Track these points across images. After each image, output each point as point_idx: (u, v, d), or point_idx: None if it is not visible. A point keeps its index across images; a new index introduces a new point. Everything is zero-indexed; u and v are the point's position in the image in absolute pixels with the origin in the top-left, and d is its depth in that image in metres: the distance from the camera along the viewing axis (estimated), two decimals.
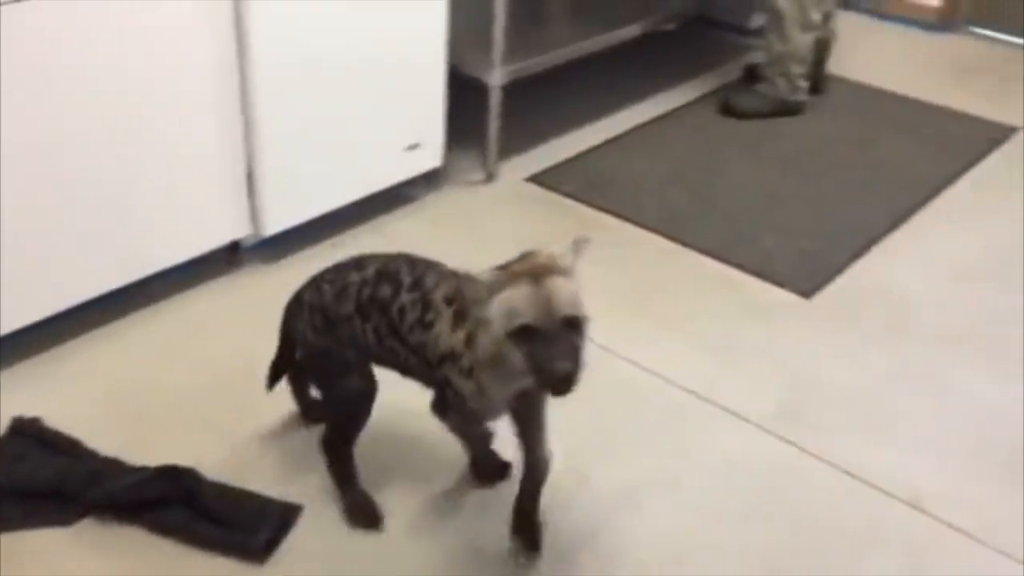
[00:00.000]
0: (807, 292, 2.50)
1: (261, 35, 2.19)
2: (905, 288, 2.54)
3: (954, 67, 3.86)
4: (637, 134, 3.25)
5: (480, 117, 2.85)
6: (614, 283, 2.51)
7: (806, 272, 2.57)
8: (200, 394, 2.07)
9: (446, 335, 1.50)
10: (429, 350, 1.54)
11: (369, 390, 1.71)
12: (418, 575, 1.70)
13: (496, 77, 2.78)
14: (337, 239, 2.59)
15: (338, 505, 1.79)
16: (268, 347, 2.22)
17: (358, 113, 2.48)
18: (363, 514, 1.78)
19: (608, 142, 3.19)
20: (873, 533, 1.82)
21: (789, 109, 3.34)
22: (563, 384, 1.35)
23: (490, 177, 2.93)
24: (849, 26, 3.85)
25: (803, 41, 3.26)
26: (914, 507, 1.87)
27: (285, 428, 1.99)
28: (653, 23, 3.38)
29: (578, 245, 1.44)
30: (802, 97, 3.35)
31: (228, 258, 2.45)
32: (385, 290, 1.59)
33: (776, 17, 3.25)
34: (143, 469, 1.80)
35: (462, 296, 1.46)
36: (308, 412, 1.98)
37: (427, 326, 1.53)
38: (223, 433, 1.97)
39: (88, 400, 2.01)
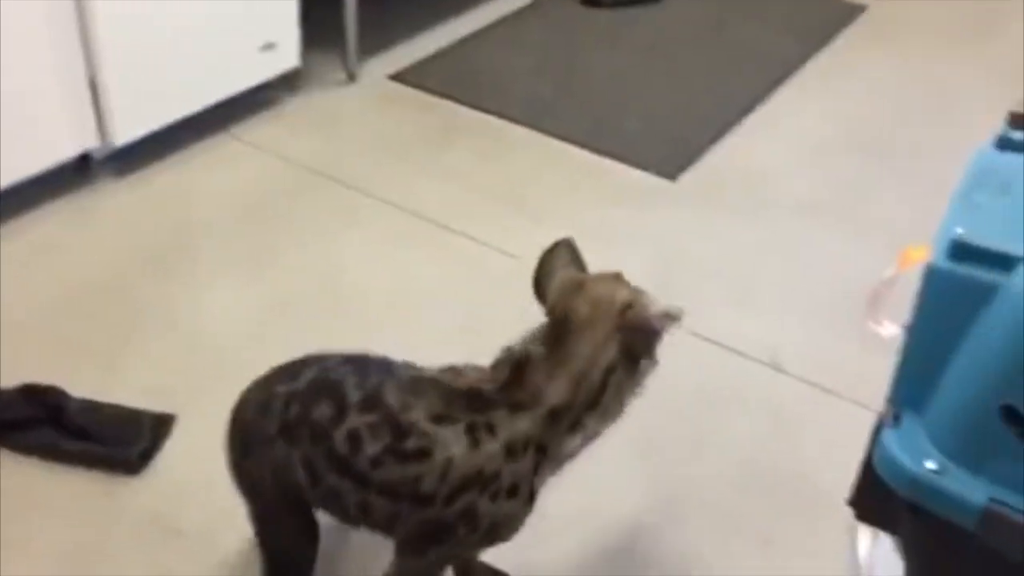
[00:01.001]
0: (672, 174, 2.55)
1: None
2: (765, 164, 2.62)
3: None
4: (500, 27, 3.21)
5: (338, 15, 2.76)
6: (485, 177, 2.50)
7: (670, 155, 2.61)
8: (58, 313, 1.99)
9: (463, 456, 1.17)
10: (427, 484, 1.18)
11: (302, 542, 1.35)
12: None
13: None
14: (193, 147, 2.49)
15: None
16: (123, 261, 2.15)
17: (207, 11, 2.36)
18: None
19: (471, 36, 3.13)
20: (737, 395, 1.91)
21: None
22: None
23: (351, 77, 2.86)
24: None
25: None
26: (775, 368, 1.96)
27: (146, 339, 1.94)
28: None
29: None
30: None
31: (79, 172, 2.33)
32: (323, 410, 1.21)
33: None
34: (2, 391, 1.73)
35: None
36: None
37: (418, 455, 1.18)
38: (84, 350, 1.90)
39: None
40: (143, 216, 2.28)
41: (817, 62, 3.11)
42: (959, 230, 0.74)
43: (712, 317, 2.08)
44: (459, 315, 2.03)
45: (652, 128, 2.73)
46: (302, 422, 1.22)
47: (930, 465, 0.79)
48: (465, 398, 1.19)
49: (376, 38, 2.95)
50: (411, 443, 1.18)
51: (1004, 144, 0.81)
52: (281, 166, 2.48)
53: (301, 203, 2.36)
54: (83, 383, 1.77)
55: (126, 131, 2.30)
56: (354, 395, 1.21)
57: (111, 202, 2.31)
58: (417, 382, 1.23)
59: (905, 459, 0.80)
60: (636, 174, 2.55)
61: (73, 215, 2.26)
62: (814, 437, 1.83)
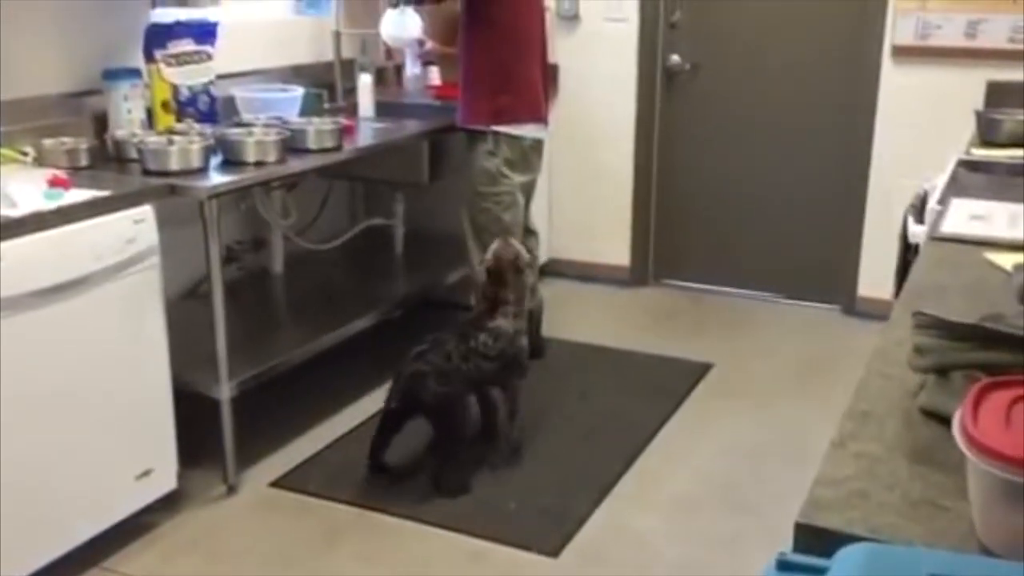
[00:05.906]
0: (553, 551, 2.60)
1: None
2: (641, 530, 2.70)
3: (651, 315, 4.33)
4: (374, 421, 3.33)
5: (214, 430, 2.84)
6: None
7: (549, 532, 2.68)
8: None
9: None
10: None
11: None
12: None
13: (224, 391, 2.81)
14: None
15: None
16: None
17: (79, 452, 2.40)
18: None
19: (349, 433, 3.24)
20: None
21: None
22: None
23: (231, 490, 2.89)
24: (557, 292, 4.26)
25: None
26: None
27: None
28: (378, 315, 3.55)
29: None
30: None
31: None
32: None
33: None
34: None
35: None
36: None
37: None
38: None
39: None
40: None
41: (676, 420, 3.32)
42: None
43: None
44: None
45: (530, 506, 2.81)
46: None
47: None
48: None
49: (254, 447, 3.03)
50: None
51: (783, 566, 0.90)
52: None
53: None
54: None
55: None
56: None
57: None
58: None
59: None
60: (520, 555, 2.59)
61: None
62: None
